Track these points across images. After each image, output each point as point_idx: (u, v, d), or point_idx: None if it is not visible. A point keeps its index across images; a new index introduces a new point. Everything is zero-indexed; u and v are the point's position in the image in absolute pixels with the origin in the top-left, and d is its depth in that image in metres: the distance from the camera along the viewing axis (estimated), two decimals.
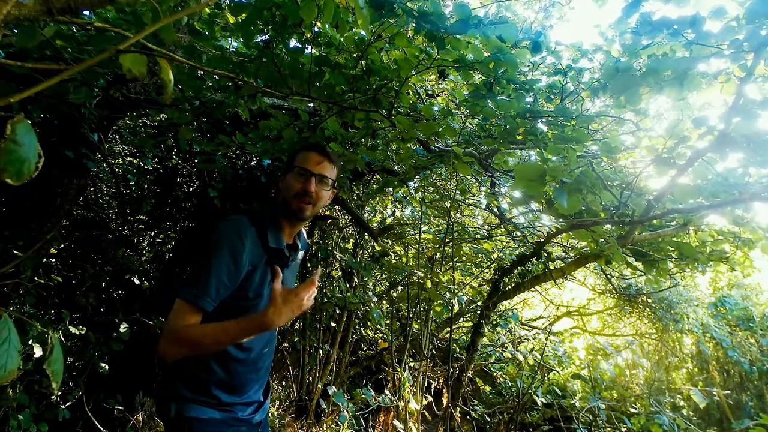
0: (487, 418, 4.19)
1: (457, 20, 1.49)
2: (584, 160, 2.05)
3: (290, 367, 3.71)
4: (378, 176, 3.73)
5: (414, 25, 1.54)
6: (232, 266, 1.21)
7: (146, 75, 1.62)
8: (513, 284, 3.85)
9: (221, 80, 2.18)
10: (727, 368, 5.52)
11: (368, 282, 4.03)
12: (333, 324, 3.74)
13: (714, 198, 1.71)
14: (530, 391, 3.95)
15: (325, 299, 3.52)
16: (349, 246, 4.46)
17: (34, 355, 2.17)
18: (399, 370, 3.38)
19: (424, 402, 3.66)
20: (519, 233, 3.46)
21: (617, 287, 4.75)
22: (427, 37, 1.55)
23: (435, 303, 3.82)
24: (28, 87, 0.64)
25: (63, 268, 3.46)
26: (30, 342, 2.18)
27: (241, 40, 2.10)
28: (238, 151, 3.51)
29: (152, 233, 4.36)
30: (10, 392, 2.24)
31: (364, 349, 4.93)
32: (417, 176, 3.23)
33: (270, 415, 3.20)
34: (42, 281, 2.60)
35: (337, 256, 3.69)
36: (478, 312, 3.98)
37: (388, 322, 4.56)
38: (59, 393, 2.67)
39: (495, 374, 5.20)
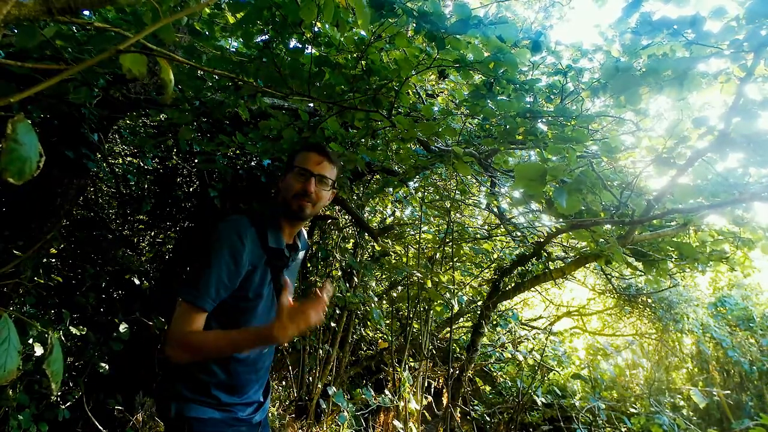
0: (487, 418, 4.19)
1: (457, 20, 1.49)
2: (584, 160, 2.05)
3: (290, 367, 3.71)
4: (378, 176, 3.73)
5: (414, 25, 1.54)
6: (232, 266, 1.21)
7: (146, 75, 1.62)
8: (513, 284, 3.86)
9: (221, 80, 2.18)
10: (727, 368, 5.52)
11: (368, 282, 4.03)
12: (333, 324, 3.74)
13: (714, 198, 1.71)
14: (530, 391, 3.95)
15: None
16: (349, 246, 4.46)
17: (35, 355, 2.17)
18: (399, 370, 3.38)
19: (424, 402, 3.66)
20: (519, 233, 3.46)
21: (617, 287, 4.75)
22: (427, 37, 1.55)
23: (435, 303, 3.82)
24: (28, 87, 0.64)
25: (63, 268, 3.46)
26: (30, 342, 2.18)
27: (241, 40, 2.10)
28: (238, 151, 3.51)
29: (152, 233, 4.36)
30: (10, 392, 2.24)
31: (364, 349, 4.93)
32: (417, 176, 3.23)
33: (270, 415, 3.20)
34: (42, 281, 2.59)
35: (337, 256, 3.69)
36: (478, 312, 3.98)
37: (388, 322, 4.56)
38: (59, 393, 2.67)
39: (495, 374, 5.20)
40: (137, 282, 3.46)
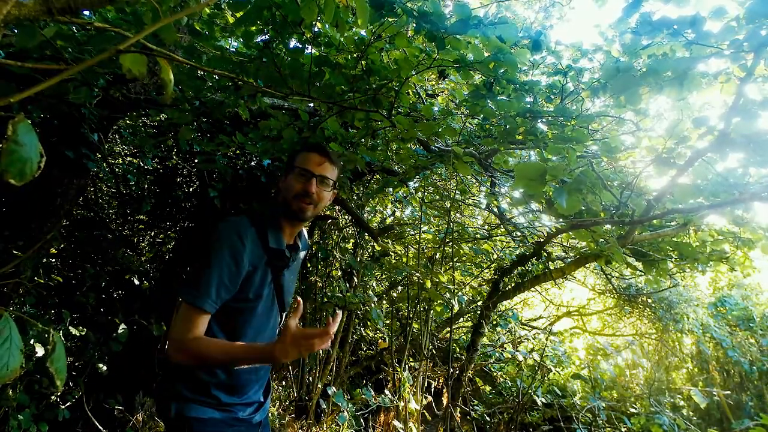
0: (487, 418, 4.19)
1: (457, 20, 1.49)
2: (584, 160, 2.05)
3: (290, 367, 3.72)
4: (378, 176, 3.73)
5: (414, 25, 1.54)
6: (233, 267, 1.21)
7: (146, 75, 1.62)
8: (513, 284, 3.86)
9: (221, 80, 2.18)
10: (727, 368, 5.52)
11: (369, 282, 4.03)
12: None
13: (714, 198, 1.71)
14: (530, 391, 3.95)
15: (325, 299, 3.52)
16: (349, 246, 4.46)
17: (35, 355, 2.18)
18: (399, 370, 3.38)
19: (424, 402, 3.66)
20: (519, 233, 3.46)
21: (617, 287, 4.75)
22: (427, 37, 1.55)
23: (435, 303, 3.82)
24: (28, 87, 0.65)
25: (63, 268, 3.46)
26: (30, 341, 2.19)
27: (241, 40, 2.10)
28: (238, 151, 3.51)
29: (152, 233, 4.36)
30: (10, 392, 2.24)
31: (364, 349, 4.93)
32: (417, 176, 3.23)
33: (270, 415, 3.20)
34: (42, 281, 2.60)
35: (337, 256, 3.69)
36: (478, 312, 3.98)
37: (388, 322, 4.56)
38: (59, 393, 2.67)
39: (495, 374, 5.20)
40: (137, 282, 3.47)
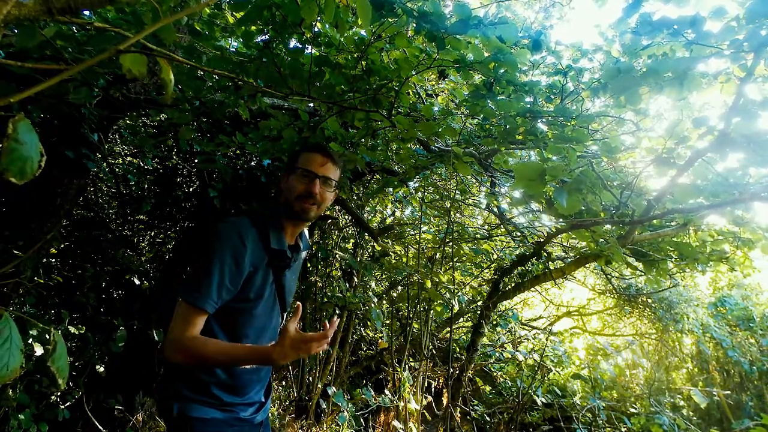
0: (487, 418, 4.19)
1: (457, 20, 1.49)
2: (584, 160, 2.05)
3: (290, 367, 3.71)
4: (378, 176, 3.73)
5: (414, 25, 1.54)
6: (233, 268, 1.20)
7: (146, 75, 1.62)
8: (513, 284, 3.86)
9: (221, 80, 2.18)
10: (727, 368, 5.52)
11: (369, 282, 4.03)
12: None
13: (714, 198, 1.71)
14: (530, 391, 3.95)
15: (325, 299, 3.52)
16: (349, 246, 4.46)
17: (35, 355, 2.18)
18: (399, 370, 3.38)
19: (424, 402, 3.66)
20: (519, 233, 3.46)
21: (617, 287, 4.75)
22: (427, 37, 1.55)
23: (435, 303, 3.82)
24: (28, 87, 0.65)
25: (63, 268, 3.46)
26: (30, 341, 2.19)
27: (241, 40, 2.10)
28: (238, 151, 3.51)
29: (152, 233, 4.37)
30: (11, 392, 2.25)
31: (364, 349, 4.94)
32: (417, 176, 3.23)
33: (270, 415, 3.20)
34: (42, 281, 2.60)
35: (337, 256, 3.69)
36: (478, 312, 3.98)
37: (387, 322, 4.56)
38: (59, 393, 2.67)
39: (495, 374, 5.20)
40: (137, 282, 3.47)
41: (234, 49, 2.32)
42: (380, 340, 4.48)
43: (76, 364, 2.86)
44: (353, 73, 1.83)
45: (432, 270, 3.63)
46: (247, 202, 3.38)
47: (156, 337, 2.86)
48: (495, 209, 3.44)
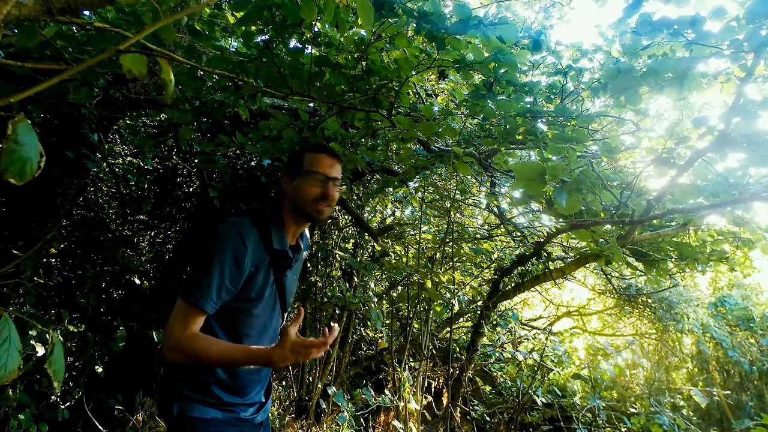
0: (487, 418, 4.19)
1: (457, 20, 1.49)
2: (584, 160, 2.05)
3: (290, 367, 3.71)
4: (378, 176, 3.73)
5: (414, 25, 1.54)
6: (234, 268, 1.20)
7: (146, 75, 1.62)
8: (513, 284, 3.86)
9: (221, 80, 2.18)
10: (727, 368, 5.52)
11: (369, 282, 4.03)
12: (333, 324, 3.73)
13: (714, 198, 1.71)
14: (530, 391, 3.95)
15: (325, 299, 3.52)
16: (349, 246, 4.46)
17: (35, 355, 2.18)
18: (399, 370, 3.38)
19: (424, 402, 3.66)
20: (519, 233, 3.46)
21: (617, 287, 4.75)
22: (427, 37, 1.55)
23: (435, 303, 3.82)
24: (28, 87, 0.65)
25: (63, 268, 3.46)
26: (30, 342, 2.19)
27: (241, 40, 2.10)
28: (238, 151, 3.51)
29: (152, 233, 4.36)
30: (10, 392, 2.25)
31: (364, 349, 4.94)
32: (417, 176, 3.23)
33: (270, 415, 3.20)
34: (42, 281, 2.60)
35: (337, 256, 3.69)
36: (478, 312, 3.98)
37: (387, 322, 4.56)
38: (59, 393, 2.67)
39: (495, 374, 5.20)
40: (137, 282, 3.47)
41: (234, 49, 2.32)
42: (380, 340, 4.48)
43: (76, 364, 2.86)
44: (353, 73, 1.83)
45: (432, 270, 3.63)
46: (247, 202, 3.38)
47: (156, 338, 2.86)
48: (495, 209, 3.44)
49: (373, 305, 3.70)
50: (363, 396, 3.23)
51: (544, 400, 4.06)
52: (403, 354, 3.63)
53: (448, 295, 3.90)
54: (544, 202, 2.56)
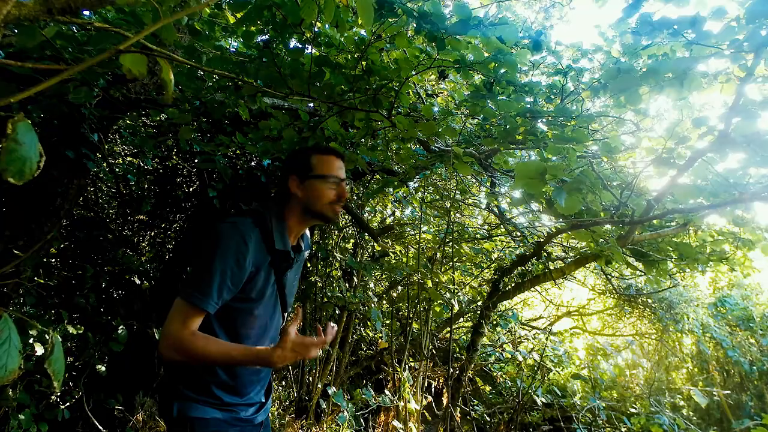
0: (487, 418, 4.19)
1: (457, 21, 1.49)
2: (584, 160, 2.05)
3: (290, 367, 3.72)
4: (378, 176, 3.73)
5: (414, 25, 1.54)
6: (235, 269, 1.20)
7: (146, 75, 1.62)
8: (513, 284, 3.86)
9: (221, 80, 2.18)
10: (727, 368, 5.52)
11: (369, 282, 4.03)
12: (333, 324, 3.73)
13: (714, 198, 1.71)
14: (530, 391, 3.96)
15: (325, 299, 3.52)
16: (349, 246, 4.46)
17: (35, 355, 2.18)
18: (399, 370, 3.38)
19: (424, 402, 3.66)
20: (519, 233, 3.46)
21: (617, 287, 4.75)
22: (428, 37, 1.55)
23: (435, 303, 3.82)
24: (28, 87, 0.65)
25: (63, 268, 3.46)
26: (30, 342, 2.19)
27: (241, 40, 2.10)
28: (238, 151, 3.51)
29: (152, 233, 4.36)
30: (10, 392, 2.25)
31: (364, 349, 4.94)
32: (417, 176, 3.23)
33: (270, 415, 3.20)
34: (42, 281, 2.60)
35: (337, 256, 3.69)
36: (478, 312, 3.98)
37: (387, 322, 4.56)
38: (59, 393, 2.68)
39: (495, 374, 5.20)
40: (137, 282, 3.47)
41: (234, 49, 2.32)
42: (380, 340, 4.48)
43: (76, 364, 2.86)
44: (353, 73, 1.83)
45: (432, 270, 3.63)
46: (247, 202, 3.38)
47: (156, 337, 2.86)
48: (495, 209, 3.44)
49: (373, 305, 3.70)
50: (363, 396, 3.23)
51: (544, 400, 4.06)
52: (403, 354, 3.63)
53: (448, 295, 3.89)
54: (544, 202, 2.56)
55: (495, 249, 4.39)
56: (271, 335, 1.39)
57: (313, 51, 1.80)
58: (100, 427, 2.63)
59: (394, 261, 4.42)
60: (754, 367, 5.16)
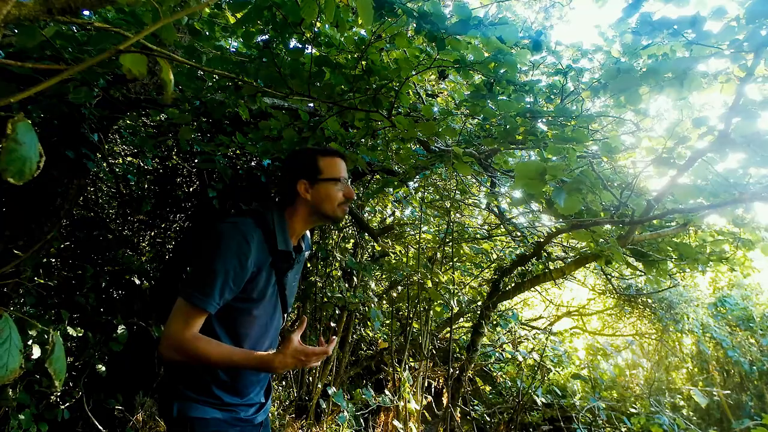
0: (487, 418, 4.19)
1: (457, 21, 1.49)
2: (584, 160, 2.05)
3: None
4: (378, 176, 3.73)
5: (414, 25, 1.54)
6: (238, 269, 1.20)
7: (146, 75, 1.62)
8: (513, 284, 3.86)
9: (221, 80, 2.18)
10: (727, 368, 5.52)
11: (369, 282, 4.03)
12: (333, 324, 3.74)
13: (714, 198, 1.71)
14: (530, 391, 3.96)
15: (325, 299, 3.52)
16: (349, 246, 4.46)
17: (33, 356, 2.17)
18: (399, 370, 3.38)
19: (424, 402, 3.66)
20: (519, 233, 3.46)
21: (617, 287, 4.75)
22: (428, 37, 1.55)
23: (435, 303, 3.82)
24: (28, 87, 0.65)
25: (63, 268, 3.46)
26: (30, 342, 2.18)
27: (241, 40, 2.10)
28: (238, 151, 3.51)
29: (152, 233, 4.36)
30: (10, 392, 2.24)
31: (364, 349, 4.94)
32: (417, 176, 3.23)
33: (270, 415, 3.20)
34: (42, 281, 2.59)
35: (337, 256, 3.69)
36: (478, 312, 3.98)
37: (387, 322, 4.56)
38: (59, 393, 2.67)
39: (495, 374, 5.20)
40: (137, 282, 3.47)
41: (234, 49, 2.32)
42: (380, 340, 4.48)
43: (76, 364, 2.86)
44: (353, 73, 1.83)
45: (432, 270, 3.63)
46: (247, 202, 3.38)
47: (156, 334, 2.86)
48: (495, 209, 3.44)
49: (373, 305, 3.70)
50: (363, 396, 3.23)
51: (544, 400, 4.06)
52: (403, 354, 3.63)
53: (447, 295, 3.89)
54: (544, 202, 2.56)
55: (495, 249, 4.39)
56: (271, 335, 1.39)
57: (313, 51, 1.80)
58: (100, 427, 2.63)
59: (394, 261, 4.42)
60: (754, 367, 5.16)
